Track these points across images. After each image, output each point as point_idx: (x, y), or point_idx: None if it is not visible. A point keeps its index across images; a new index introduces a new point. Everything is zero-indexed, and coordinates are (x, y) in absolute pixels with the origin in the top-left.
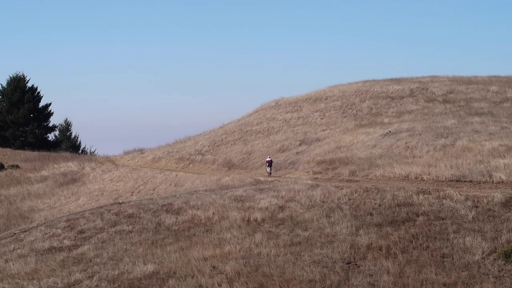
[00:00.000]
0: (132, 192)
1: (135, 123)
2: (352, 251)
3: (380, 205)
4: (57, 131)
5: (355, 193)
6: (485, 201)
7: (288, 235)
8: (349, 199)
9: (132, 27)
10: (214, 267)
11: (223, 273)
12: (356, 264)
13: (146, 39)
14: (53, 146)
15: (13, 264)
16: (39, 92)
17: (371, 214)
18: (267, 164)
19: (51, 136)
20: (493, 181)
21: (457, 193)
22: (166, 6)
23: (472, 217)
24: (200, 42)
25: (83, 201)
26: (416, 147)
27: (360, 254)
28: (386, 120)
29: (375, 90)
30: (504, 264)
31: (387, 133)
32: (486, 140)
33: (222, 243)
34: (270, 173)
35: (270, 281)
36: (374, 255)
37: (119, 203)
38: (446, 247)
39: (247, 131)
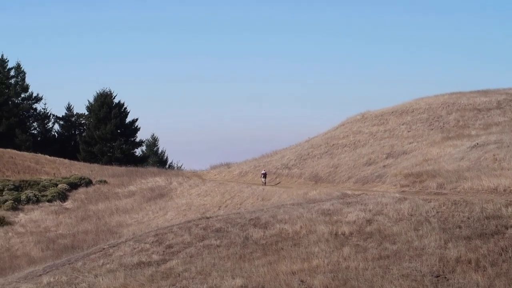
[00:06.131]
0: (219, 207)
1: (221, 137)
2: (441, 264)
3: (468, 218)
4: (144, 146)
5: (443, 206)
6: None
7: (376, 248)
8: (437, 212)
9: (215, 41)
10: (302, 281)
11: (311, 287)
12: (445, 278)
13: (230, 54)
14: (140, 161)
15: (102, 279)
16: (125, 108)
17: (460, 227)
18: (262, 175)
19: (138, 151)
20: None
21: None
22: (253, 17)
23: None
24: (286, 56)
25: (170, 216)
26: (504, 159)
27: (449, 267)
28: (473, 132)
29: (462, 102)
30: None
31: (475, 145)
32: None
33: (310, 257)
34: (265, 183)
35: None
36: (463, 268)
37: (207, 218)
38: None
39: (333, 144)
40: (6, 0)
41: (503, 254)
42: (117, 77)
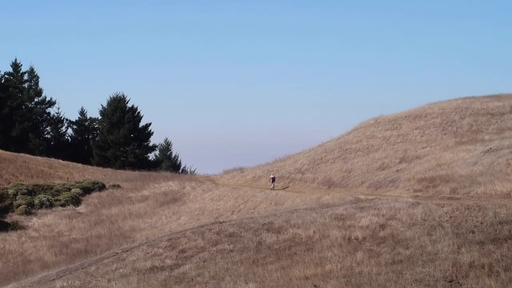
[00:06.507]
0: (233, 211)
1: (235, 142)
2: (454, 269)
3: (482, 223)
4: (158, 150)
5: (456, 210)
6: None
7: (389, 253)
8: (451, 217)
9: (229, 45)
10: (315, 286)
11: None
12: (458, 283)
13: (244, 58)
14: (154, 165)
15: (115, 284)
16: (139, 112)
17: (473, 232)
18: (271, 180)
19: (151, 156)
20: None
21: None
22: (268, 22)
23: None
24: (299, 61)
25: (184, 220)
26: None
27: (462, 272)
28: (486, 137)
29: (475, 107)
30: None
31: (488, 150)
32: None
33: (323, 262)
34: (274, 187)
35: None
36: (476, 273)
37: (220, 222)
38: None
39: (346, 149)
40: (20, 5)
41: None
42: (130, 82)
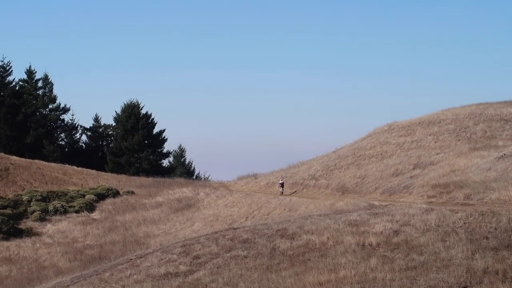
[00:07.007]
0: (247, 217)
1: (248, 148)
2: (468, 275)
3: (496, 229)
4: (171, 157)
5: (470, 216)
6: None
7: (403, 259)
8: (464, 223)
9: (242, 52)
10: None
11: None
12: None
13: (256, 64)
14: (168, 172)
15: None
16: (153, 119)
17: (487, 238)
18: (280, 185)
19: (165, 162)
20: None
21: None
22: (281, 28)
23: None
24: (312, 67)
25: (198, 227)
26: None
27: (476, 278)
28: (500, 143)
29: (489, 112)
30: None
31: (502, 156)
32: None
33: (337, 268)
34: (282, 192)
35: None
36: (490, 279)
37: (234, 229)
38: None
39: (360, 155)
40: (34, 11)
41: None
42: (145, 88)
